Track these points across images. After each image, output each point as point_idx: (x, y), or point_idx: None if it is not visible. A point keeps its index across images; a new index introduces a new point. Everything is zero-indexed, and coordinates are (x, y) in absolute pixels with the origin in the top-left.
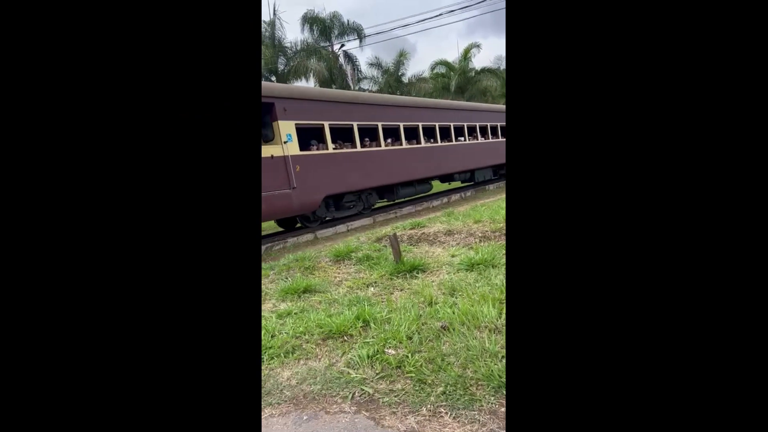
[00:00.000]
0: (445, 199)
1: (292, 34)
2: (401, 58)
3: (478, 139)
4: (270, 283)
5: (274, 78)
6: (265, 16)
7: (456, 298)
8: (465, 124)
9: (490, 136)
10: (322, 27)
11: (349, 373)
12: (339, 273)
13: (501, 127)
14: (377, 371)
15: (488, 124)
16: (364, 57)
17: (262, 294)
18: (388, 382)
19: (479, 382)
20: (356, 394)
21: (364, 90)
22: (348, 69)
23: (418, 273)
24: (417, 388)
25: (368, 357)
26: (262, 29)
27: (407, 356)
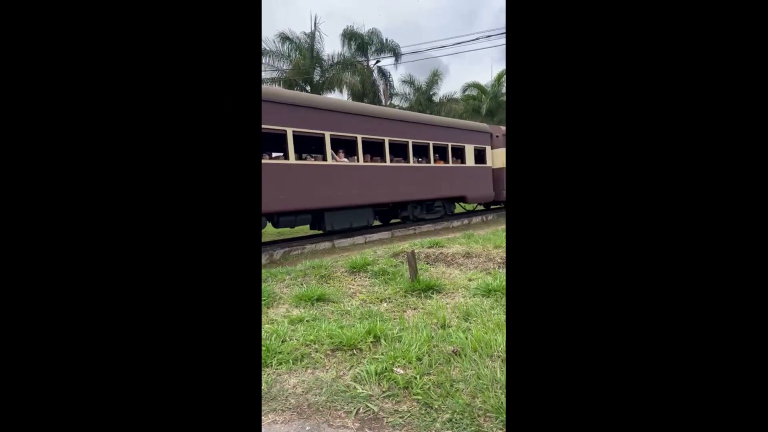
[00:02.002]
0: (465, 221)
1: (330, 46)
2: (435, 77)
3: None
4: (285, 288)
5: (308, 88)
6: (306, 27)
7: (470, 323)
8: (285, 131)
9: (357, 156)
10: (360, 42)
11: (355, 387)
12: (353, 284)
13: (390, 143)
14: (384, 389)
15: (353, 136)
16: (397, 74)
17: (277, 297)
18: (394, 401)
19: (488, 414)
20: (361, 410)
21: (394, 106)
22: (381, 84)
23: (432, 293)
24: (423, 412)
25: (376, 374)
26: (302, 40)
27: (416, 377)
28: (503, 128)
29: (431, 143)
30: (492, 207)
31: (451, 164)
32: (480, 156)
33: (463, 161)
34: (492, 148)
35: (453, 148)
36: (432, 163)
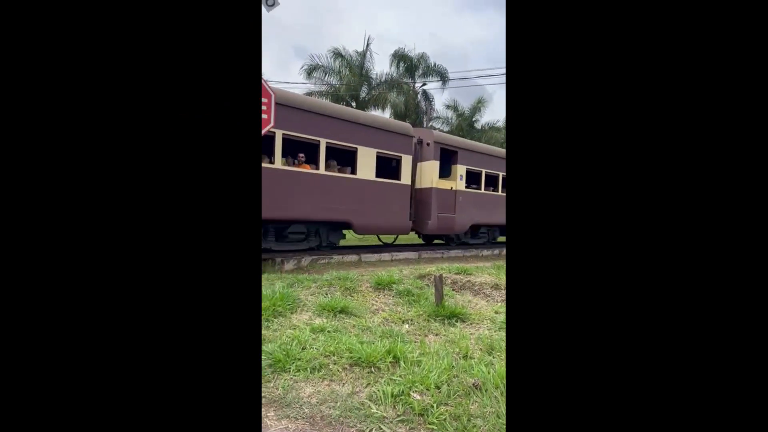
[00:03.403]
0: (496, 251)
1: (379, 66)
2: (478, 104)
3: None
4: (310, 296)
5: (354, 104)
6: (359, 46)
7: (493, 357)
8: None
9: None
10: (409, 65)
11: (369, 406)
12: (377, 301)
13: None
14: (398, 413)
15: None
16: (441, 98)
17: (301, 304)
18: (408, 427)
19: None
20: (373, 431)
21: (435, 128)
22: (423, 106)
23: (457, 321)
24: None
25: (392, 395)
26: (354, 58)
27: (432, 406)
28: (439, 134)
29: (280, 134)
30: (436, 242)
31: (323, 171)
32: (391, 167)
33: (353, 171)
34: (421, 161)
35: (330, 148)
36: (279, 165)
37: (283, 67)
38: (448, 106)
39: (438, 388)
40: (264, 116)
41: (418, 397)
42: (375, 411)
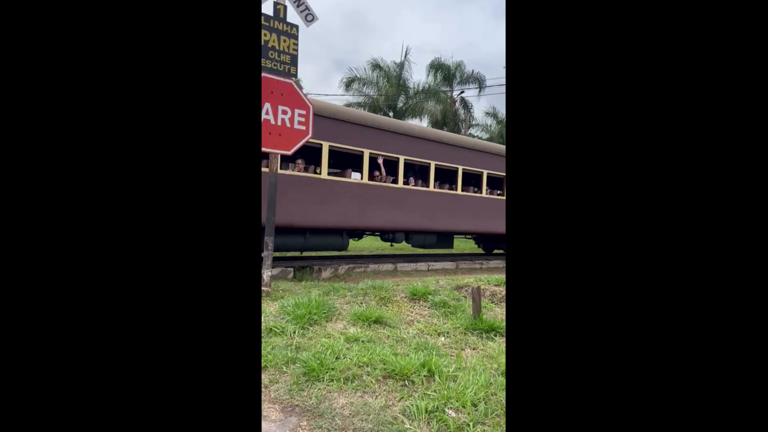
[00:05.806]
0: None
1: (417, 75)
2: None
3: None
4: (345, 304)
5: (391, 113)
6: (397, 57)
7: None
8: None
9: None
10: (446, 74)
11: (403, 421)
12: (412, 312)
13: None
14: (432, 430)
15: None
16: (480, 105)
17: (336, 312)
18: None
19: None
20: None
21: (473, 136)
22: (462, 114)
23: (495, 335)
24: None
25: (426, 411)
26: (392, 69)
27: (468, 425)
28: None
29: None
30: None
31: None
32: None
33: None
34: None
35: None
36: None
37: (324, 81)
38: (487, 113)
39: (474, 405)
40: (302, 127)
41: (454, 415)
42: (408, 427)
